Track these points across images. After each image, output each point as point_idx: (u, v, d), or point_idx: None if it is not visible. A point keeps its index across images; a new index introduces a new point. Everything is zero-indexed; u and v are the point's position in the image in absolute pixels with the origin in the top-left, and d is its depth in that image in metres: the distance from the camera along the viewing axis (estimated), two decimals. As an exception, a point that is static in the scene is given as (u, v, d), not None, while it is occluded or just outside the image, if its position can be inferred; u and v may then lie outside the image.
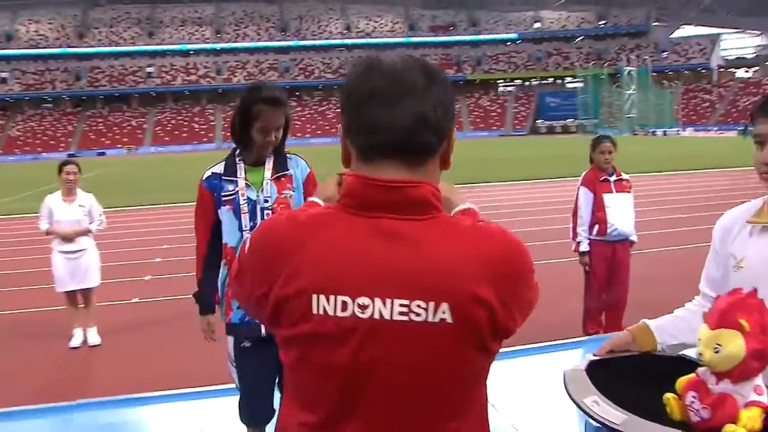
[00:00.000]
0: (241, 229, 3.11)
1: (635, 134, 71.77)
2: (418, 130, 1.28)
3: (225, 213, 3.13)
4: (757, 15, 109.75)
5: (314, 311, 1.25)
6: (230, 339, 3.21)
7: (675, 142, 49.94)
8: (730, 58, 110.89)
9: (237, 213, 3.11)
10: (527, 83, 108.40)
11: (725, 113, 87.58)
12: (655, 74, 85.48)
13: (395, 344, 1.25)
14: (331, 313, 1.25)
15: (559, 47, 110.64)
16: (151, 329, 7.39)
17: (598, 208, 5.64)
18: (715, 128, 75.48)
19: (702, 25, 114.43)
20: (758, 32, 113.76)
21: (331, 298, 1.24)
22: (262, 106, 3.02)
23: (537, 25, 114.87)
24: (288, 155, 3.28)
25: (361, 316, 1.24)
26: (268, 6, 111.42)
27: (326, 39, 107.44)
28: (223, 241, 3.17)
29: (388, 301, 1.24)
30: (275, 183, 3.17)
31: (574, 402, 1.66)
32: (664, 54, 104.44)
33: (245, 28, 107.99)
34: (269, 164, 3.19)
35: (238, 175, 3.15)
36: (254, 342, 3.11)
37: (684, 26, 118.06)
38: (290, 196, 3.18)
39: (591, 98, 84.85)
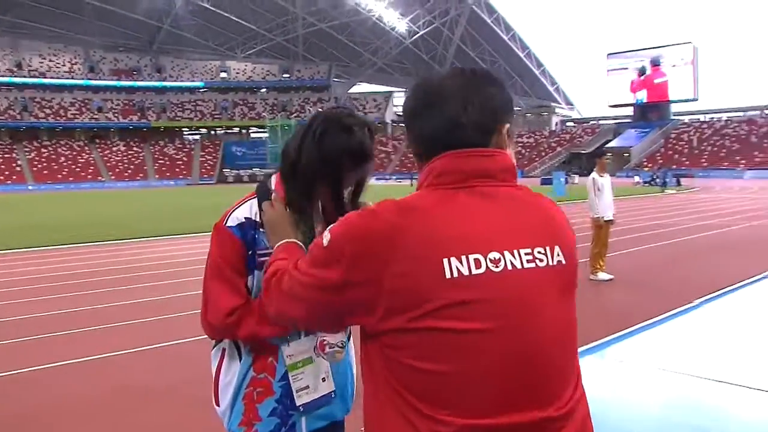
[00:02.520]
0: None
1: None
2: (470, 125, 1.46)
3: (257, 279, 2.07)
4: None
5: (448, 276, 1.27)
6: None
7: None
8: (401, 113, 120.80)
9: None
10: (213, 132, 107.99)
11: (400, 163, 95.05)
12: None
13: (532, 290, 1.33)
14: (465, 273, 1.27)
15: (245, 98, 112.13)
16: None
17: None
18: (394, 177, 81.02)
19: (376, 83, 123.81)
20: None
21: (463, 258, 1.28)
22: (346, 161, 2.04)
23: (223, 74, 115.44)
24: None
25: (495, 270, 1.29)
26: None
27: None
28: None
29: (515, 251, 1.32)
30: None
31: None
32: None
33: None
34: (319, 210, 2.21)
35: None
36: None
37: (361, 83, 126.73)
38: None
39: (279, 148, 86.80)
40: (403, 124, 1.49)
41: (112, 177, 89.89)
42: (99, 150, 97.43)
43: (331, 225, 1.44)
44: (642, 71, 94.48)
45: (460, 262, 1.28)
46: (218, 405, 2.16)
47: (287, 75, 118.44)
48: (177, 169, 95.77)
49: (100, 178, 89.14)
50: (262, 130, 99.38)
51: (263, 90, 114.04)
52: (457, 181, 1.38)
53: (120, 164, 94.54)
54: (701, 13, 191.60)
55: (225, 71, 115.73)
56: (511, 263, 1.31)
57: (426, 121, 1.44)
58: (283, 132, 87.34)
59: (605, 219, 10.75)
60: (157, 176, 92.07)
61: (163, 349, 7.02)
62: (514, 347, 1.30)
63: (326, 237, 1.40)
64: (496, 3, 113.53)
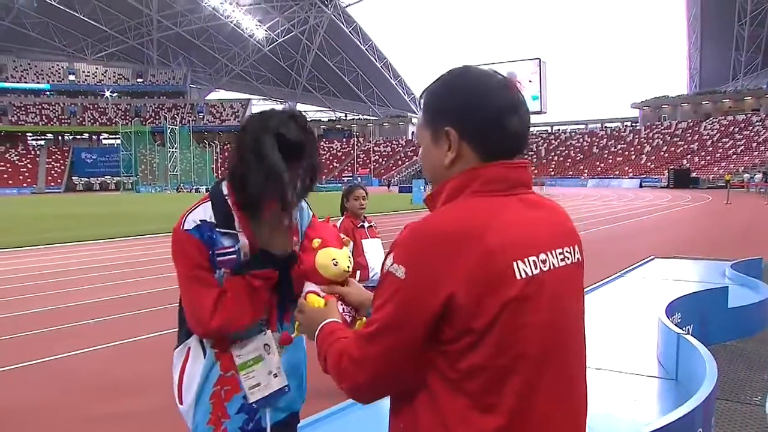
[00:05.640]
0: None
1: (180, 191, 72.60)
2: (528, 132, 1.57)
3: (217, 277, 2.12)
4: (279, 85, 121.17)
5: (518, 276, 1.39)
6: None
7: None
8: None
9: None
10: (61, 137, 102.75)
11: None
12: (194, 133, 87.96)
13: (567, 284, 1.50)
14: (530, 273, 1.41)
15: (95, 102, 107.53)
16: None
17: (358, 254, 5.68)
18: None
19: (234, 90, 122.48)
20: (281, 99, 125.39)
21: (527, 260, 1.41)
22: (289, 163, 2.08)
23: (71, 77, 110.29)
24: None
25: (544, 269, 1.44)
26: None
27: None
28: None
29: (554, 251, 1.49)
30: None
31: None
32: (201, 114, 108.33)
33: None
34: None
35: (237, 228, 2.14)
36: None
37: (218, 90, 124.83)
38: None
39: (132, 155, 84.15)
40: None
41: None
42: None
43: None
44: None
45: (525, 264, 1.41)
46: (182, 404, 2.18)
47: (141, 79, 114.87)
48: (20, 177, 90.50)
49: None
50: (114, 136, 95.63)
51: (115, 94, 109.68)
52: (508, 188, 1.49)
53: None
54: (547, 30, 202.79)
55: (73, 73, 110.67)
56: (552, 263, 1.47)
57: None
58: (137, 138, 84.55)
59: None
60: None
61: None
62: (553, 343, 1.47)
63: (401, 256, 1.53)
64: (355, 13, 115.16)
